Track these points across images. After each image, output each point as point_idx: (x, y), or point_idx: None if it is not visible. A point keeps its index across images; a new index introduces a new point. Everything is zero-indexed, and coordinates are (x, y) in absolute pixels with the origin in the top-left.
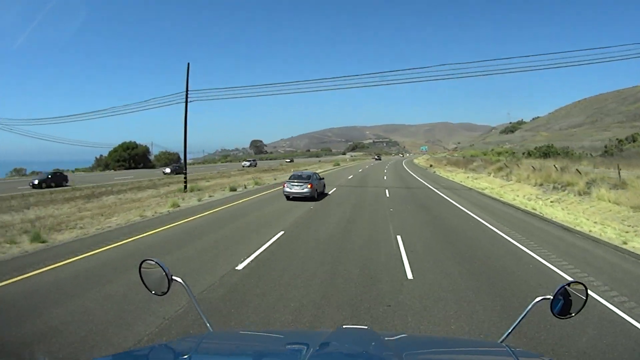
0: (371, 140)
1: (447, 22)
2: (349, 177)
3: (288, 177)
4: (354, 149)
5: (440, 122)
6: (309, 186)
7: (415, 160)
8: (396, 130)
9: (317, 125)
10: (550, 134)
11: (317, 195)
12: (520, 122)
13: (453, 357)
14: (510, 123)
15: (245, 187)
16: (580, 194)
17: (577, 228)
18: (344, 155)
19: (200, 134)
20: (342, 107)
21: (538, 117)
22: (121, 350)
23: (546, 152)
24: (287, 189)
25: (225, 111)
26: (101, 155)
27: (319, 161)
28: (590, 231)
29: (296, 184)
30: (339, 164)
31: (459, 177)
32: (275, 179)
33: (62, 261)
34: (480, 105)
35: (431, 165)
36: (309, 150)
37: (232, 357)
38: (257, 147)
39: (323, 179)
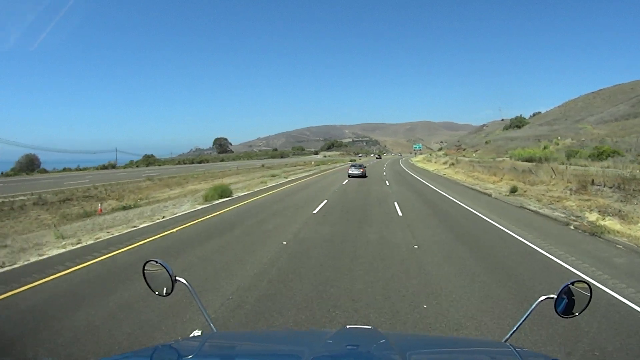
0: (350, 139)
1: (432, 16)
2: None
3: (350, 166)
4: (329, 147)
5: (421, 121)
6: (362, 170)
7: (425, 165)
8: (376, 129)
9: (296, 124)
10: (607, 126)
11: (365, 175)
12: (519, 118)
13: (457, 357)
14: (502, 120)
15: None
16: None
17: None
18: (315, 156)
19: (177, 133)
20: (322, 106)
21: (539, 112)
22: None
23: None
24: (350, 172)
25: (202, 110)
26: None
27: (262, 166)
28: None
29: (355, 169)
30: (265, 182)
31: None
32: None
33: None
34: (462, 104)
35: (514, 191)
36: (275, 150)
37: (235, 358)
38: (221, 145)
39: (367, 166)
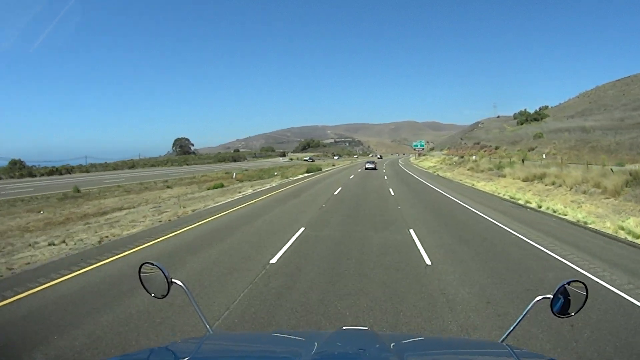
0: (332, 140)
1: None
2: None
3: (365, 161)
4: (305, 148)
5: (406, 121)
6: (374, 165)
7: (454, 176)
8: (360, 130)
9: (277, 126)
10: None
11: (376, 168)
12: (523, 112)
13: (454, 358)
14: (499, 116)
15: None
16: None
17: None
18: (280, 159)
19: (159, 134)
20: (304, 108)
21: (546, 105)
22: None
23: None
24: (367, 166)
25: (183, 111)
26: None
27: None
28: None
29: (370, 164)
30: None
31: None
32: None
33: None
34: (447, 104)
35: None
36: (237, 151)
37: (232, 359)
38: (182, 147)
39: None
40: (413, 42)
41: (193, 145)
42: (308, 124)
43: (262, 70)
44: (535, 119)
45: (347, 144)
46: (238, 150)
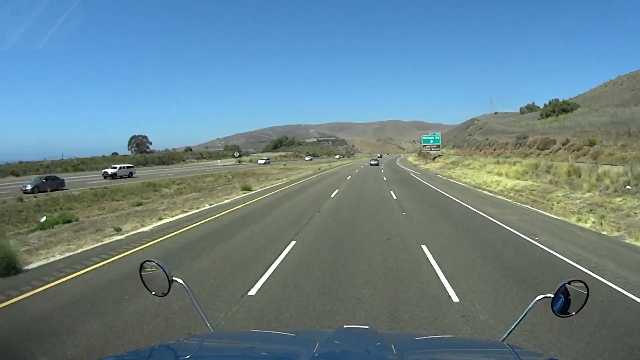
0: (315, 139)
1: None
2: None
3: (369, 159)
4: (276, 146)
5: (391, 120)
6: (377, 162)
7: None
8: (344, 129)
9: (260, 125)
10: None
11: (378, 164)
12: (532, 106)
13: (454, 357)
14: (496, 113)
15: None
16: None
17: None
18: (218, 162)
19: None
20: (288, 107)
21: (557, 98)
22: None
23: None
24: (370, 162)
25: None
26: None
27: None
28: None
29: (373, 161)
30: None
31: None
32: None
33: None
34: (432, 103)
35: None
36: (189, 150)
37: (232, 358)
38: (139, 145)
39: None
40: (399, 41)
41: (151, 143)
42: (291, 123)
43: (248, 69)
44: (564, 110)
45: (330, 143)
46: (190, 150)
